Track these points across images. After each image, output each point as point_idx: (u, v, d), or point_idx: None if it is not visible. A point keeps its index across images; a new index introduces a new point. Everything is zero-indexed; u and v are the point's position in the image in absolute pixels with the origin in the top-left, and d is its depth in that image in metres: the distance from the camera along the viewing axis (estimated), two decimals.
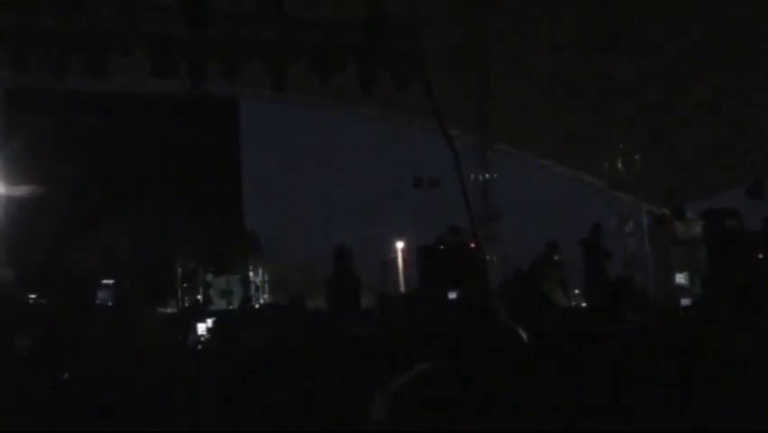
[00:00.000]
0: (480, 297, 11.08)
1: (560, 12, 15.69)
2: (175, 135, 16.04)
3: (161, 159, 15.79)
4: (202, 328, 10.86)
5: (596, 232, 14.23)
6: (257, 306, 13.41)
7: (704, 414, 2.52)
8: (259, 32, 12.05)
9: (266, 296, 13.96)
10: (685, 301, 11.91)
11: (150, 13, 11.68)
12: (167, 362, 3.70)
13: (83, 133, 15.39)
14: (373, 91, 12.63)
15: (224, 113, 16.75)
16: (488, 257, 16.15)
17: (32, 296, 12.48)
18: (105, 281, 12.98)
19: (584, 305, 13.66)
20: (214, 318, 11.16)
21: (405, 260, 17.52)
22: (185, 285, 13.53)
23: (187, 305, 13.28)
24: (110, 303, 11.34)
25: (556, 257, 14.89)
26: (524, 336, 3.43)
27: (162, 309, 13.13)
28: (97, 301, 11.66)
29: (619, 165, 17.38)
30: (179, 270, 13.55)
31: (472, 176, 17.09)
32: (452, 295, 12.12)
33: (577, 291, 16.84)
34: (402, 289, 17.20)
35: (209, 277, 13.40)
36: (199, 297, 13.35)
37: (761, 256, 12.74)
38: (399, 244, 17.83)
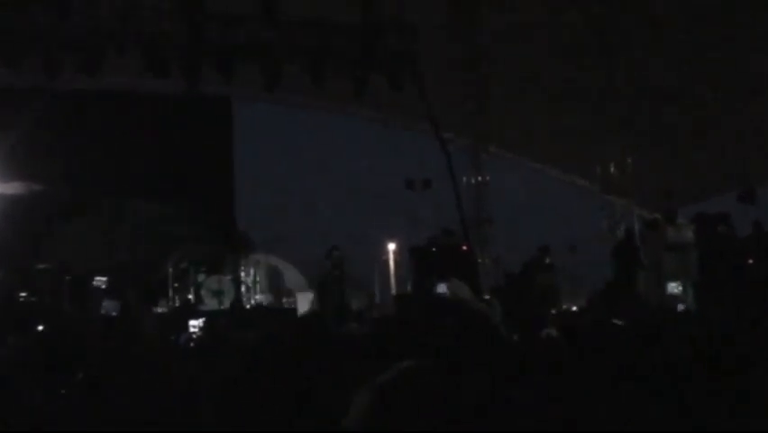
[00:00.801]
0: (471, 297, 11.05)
1: (555, 14, 15.72)
2: (167, 135, 16.01)
3: (153, 158, 15.75)
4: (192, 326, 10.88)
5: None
6: (248, 306, 13.42)
7: (703, 416, 2.53)
8: (254, 32, 12.05)
9: (257, 296, 13.96)
10: (680, 307, 11.92)
11: (145, 13, 11.66)
12: (165, 362, 3.70)
13: (75, 131, 15.35)
14: (365, 93, 12.64)
15: (217, 113, 16.73)
16: (480, 259, 16.17)
17: (23, 294, 12.46)
18: (98, 278, 12.96)
19: (574, 308, 13.66)
20: (204, 319, 11.17)
21: (396, 261, 17.51)
22: (176, 285, 13.50)
23: (178, 305, 13.26)
24: (114, 313, 11.29)
25: (548, 260, 14.94)
26: (514, 337, 3.44)
27: (154, 309, 13.13)
28: (102, 312, 11.62)
29: (612, 169, 17.42)
30: (171, 269, 13.52)
31: (465, 178, 17.09)
32: (442, 288, 12.11)
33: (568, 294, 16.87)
34: (393, 290, 17.20)
35: (200, 277, 13.37)
36: (190, 297, 13.32)
37: (751, 261, 12.79)
38: (391, 246, 17.83)
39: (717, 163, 17.06)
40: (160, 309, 13.19)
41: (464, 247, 14.05)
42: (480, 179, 17.62)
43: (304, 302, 14.14)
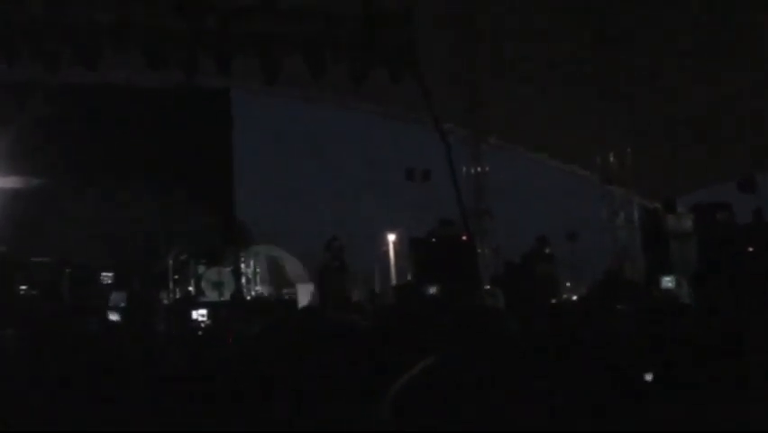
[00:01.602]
0: (468, 292, 11.03)
1: (555, 5, 15.69)
2: (166, 126, 16.00)
3: (152, 150, 15.74)
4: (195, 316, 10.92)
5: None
6: (248, 297, 13.44)
7: (703, 410, 2.53)
8: (252, 24, 12.01)
9: (257, 287, 13.98)
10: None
11: (143, 5, 11.62)
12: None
13: (73, 125, 15.34)
14: (363, 85, 12.60)
15: (216, 104, 16.72)
16: (479, 250, 16.18)
17: (23, 287, 12.47)
18: (104, 274, 13.03)
19: (574, 298, 13.69)
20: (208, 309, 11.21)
21: (397, 252, 17.53)
22: (176, 277, 13.52)
23: (178, 296, 13.29)
24: (123, 305, 11.32)
25: (547, 250, 14.95)
26: (515, 328, 3.44)
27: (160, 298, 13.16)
28: (110, 304, 11.65)
29: (611, 158, 17.43)
30: (171, 261, 13.54)
31: (465, 169, 17.09)
32: (432, 290, 12.11)
33: (568, 284, 16.90)
34: (394, 281, 17.22)
35: (201, 268, 13.40)
36: (191, 288, 13.35)
37: (751, 249, 12.78)
38: (391, 237, 17.84)
39: (717, 152, 17.05)
40: (165, 301, 13.22)
41: (464, 238, 14.04)
42: (479, 169, 17.62)
43: (304, 293, 14.14)
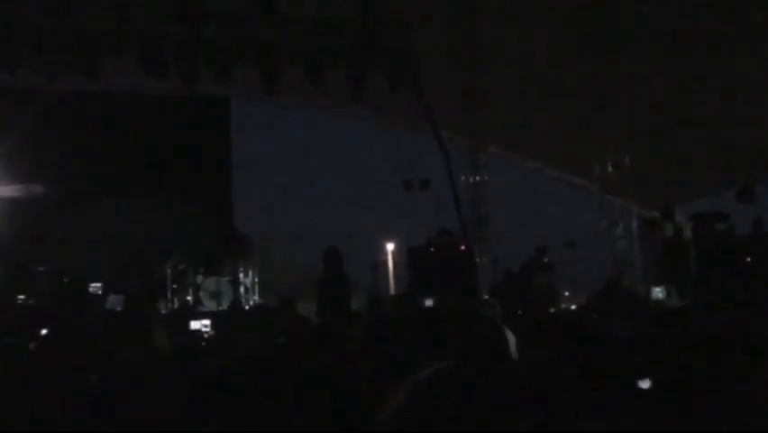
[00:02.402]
0: (465, 302, 11.01)
1: (554, 13, 15.71)
2: (165, 135, 16.01)
3: (151, 158, 15.73)
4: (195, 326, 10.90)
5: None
6: (247, 307, 13.39)
7: (703, 413, 2.53)
8: (251, 32, 12.02)
9: (256, 297, 13.94)
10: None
11: (142, 13, 11.64)
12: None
13: (73, 132, 15.33)
14: (362, 94, 12.61)
15: (215, 112, 16.74)
16: (478, 259, 16.16)
17: (21, 297, 12.45)
18: (93, 285, 13.02)
19: (573, 307, 13.66)
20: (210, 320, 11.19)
21: (395, 261, 17.49)
22: (174, 286, 13.49)
23: (176, 306, 13.25)
24: (119, 309, 11.31)
25: (546, 260, 14.94)
26: (511, 338, 3.44)
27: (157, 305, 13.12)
28: (107, 307, 11.65)
29: (610, 168, 17.42)
30: (169, 271, 13.51)
31: (463, 178, 17.09)
32: (428, 303, 12.06)
33: (567, 294, 16.88)
34: (392, 290, 17.18)
35: (199, 278, 13.37)
36: (189, 298, 13.32)
37: (749, 259, 12.78)
38: (390, 246, 17.81)
39: (716, 162, 17.06)
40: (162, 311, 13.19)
41: (463, 247, 14.03)
42: (478, 178, 17.62)
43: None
